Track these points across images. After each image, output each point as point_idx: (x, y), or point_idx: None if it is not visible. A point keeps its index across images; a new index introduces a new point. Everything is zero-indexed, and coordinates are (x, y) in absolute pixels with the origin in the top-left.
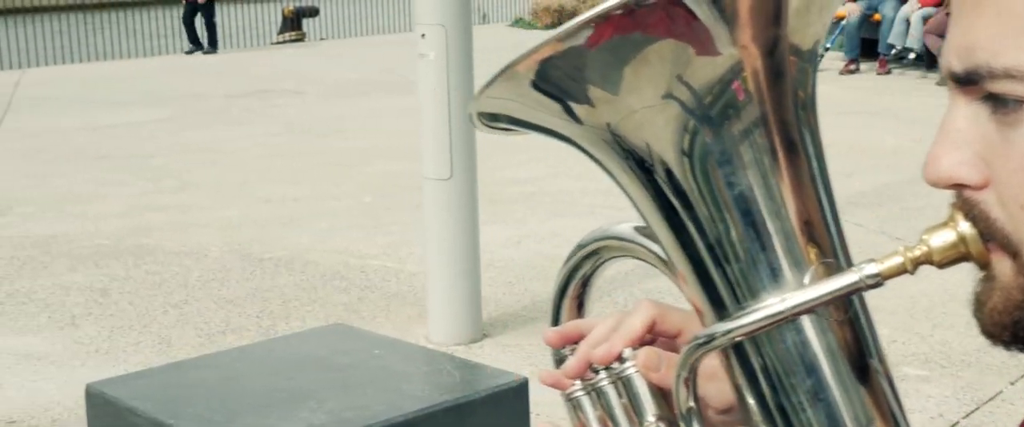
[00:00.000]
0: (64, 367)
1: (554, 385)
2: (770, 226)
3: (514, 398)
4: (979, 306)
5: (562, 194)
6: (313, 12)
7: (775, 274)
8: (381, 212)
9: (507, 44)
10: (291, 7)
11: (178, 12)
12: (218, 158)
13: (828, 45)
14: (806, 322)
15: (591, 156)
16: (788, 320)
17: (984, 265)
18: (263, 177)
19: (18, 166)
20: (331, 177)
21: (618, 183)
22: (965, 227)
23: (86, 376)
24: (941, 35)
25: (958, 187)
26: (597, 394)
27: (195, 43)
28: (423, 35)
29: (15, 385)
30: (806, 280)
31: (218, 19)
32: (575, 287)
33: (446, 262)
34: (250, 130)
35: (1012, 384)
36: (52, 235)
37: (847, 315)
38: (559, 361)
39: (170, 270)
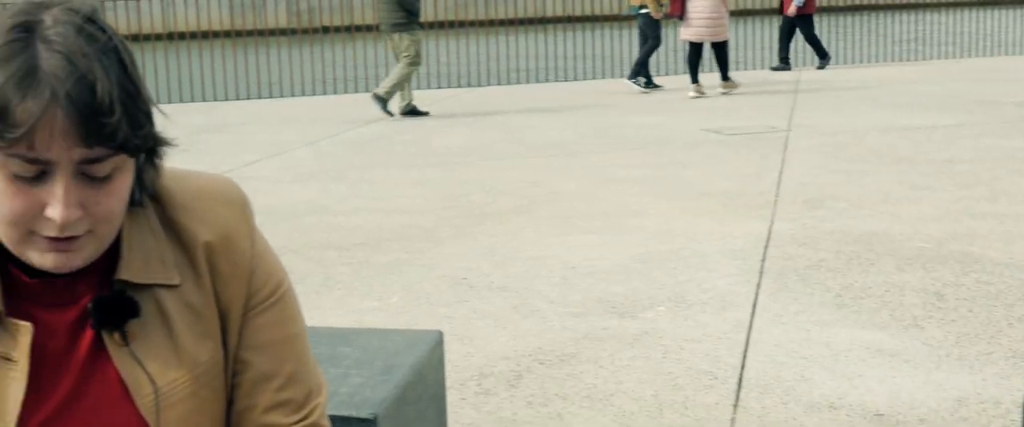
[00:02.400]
0: (919, 367)
1: None
2: None
3: None
4: None
5: None
6: None
7: None
8: None
9: None
10: None
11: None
12: None
13: None
14: None
15: None
16: None
17: None
18: None
19: (821, 162)
20: None
21: None
22: None
23: (941, 379)
24: None
25: None
26: None
27: (785, 61)
28: None
29: (876, 378)
30: None
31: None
32: None
33: None
34: None
35: None
36: (871, 233)
37: None
38: None
39: (1003, 282)
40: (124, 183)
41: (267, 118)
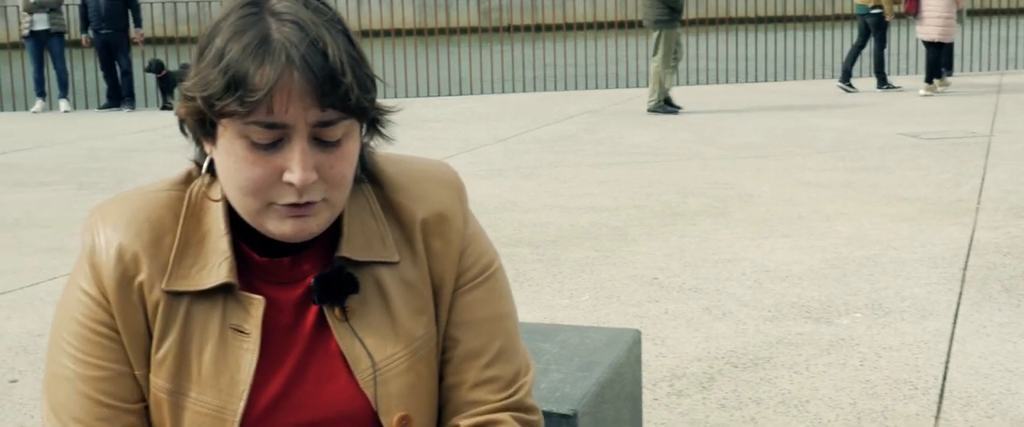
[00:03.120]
0: None
1: None
2: None
3: None
4: None
5: None
6: None
7: None
8: None
9: None
10: None
11: None
12: None
13: None
14: None
15: None
16: None
17: None
18: None
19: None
20: None
21: None
22: None
23: None
24: None
25: None
26: None
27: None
28: None
29: None
30: None
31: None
32: None
33: None
34: None
35: None
36: None
37: None
38: None
39: None
40: (353, 149)
41: (457, 115)
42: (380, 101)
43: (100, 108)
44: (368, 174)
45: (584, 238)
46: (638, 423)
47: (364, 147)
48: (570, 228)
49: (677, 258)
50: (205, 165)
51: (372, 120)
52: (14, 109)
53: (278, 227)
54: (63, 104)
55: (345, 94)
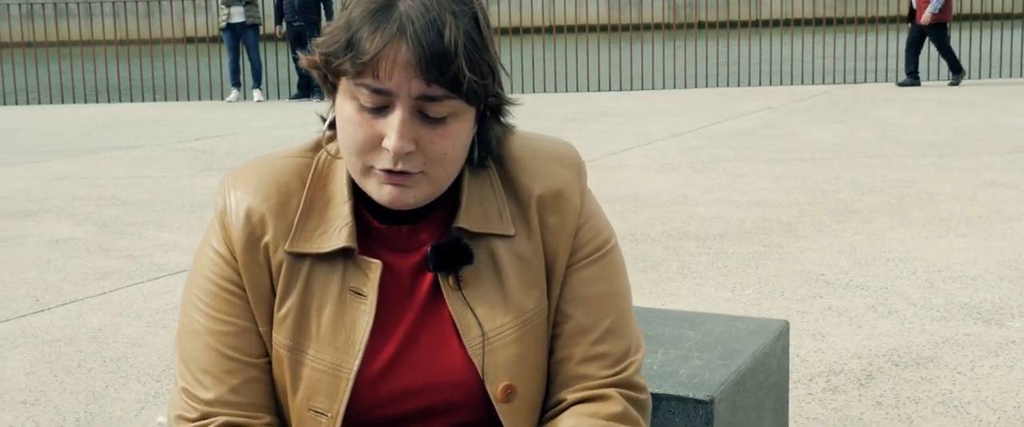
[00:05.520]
0: None
1: None
2: None
3: None
4: None
5: None
6: None
7: None
8: None
9: None
10: None
11: None
12: None
13: None
14: None
15: None
16: None
17: None
18: None
19: None
20: None
21: None
22: None
23: None
24: None
25: None
26: None
27: (913, 75)
28: None
29: None
30: None
31: None
32: None
33: None
34: None
35: None
36: None
37: None
38: None
39: None
40: (459, 130)
41: (638, 110)
42: (506, 93)
43: (291, 98)
44: (491, 152)
45: (753, 233)
46: (783, 415)
47: (491, 131)
48: (739, 223)
49: (846, 255)
50: (329, 120)
51: (493, 108)
52: (211, 98)
53: (377, 191)
54: (256, 94)
55: (453, 75)
